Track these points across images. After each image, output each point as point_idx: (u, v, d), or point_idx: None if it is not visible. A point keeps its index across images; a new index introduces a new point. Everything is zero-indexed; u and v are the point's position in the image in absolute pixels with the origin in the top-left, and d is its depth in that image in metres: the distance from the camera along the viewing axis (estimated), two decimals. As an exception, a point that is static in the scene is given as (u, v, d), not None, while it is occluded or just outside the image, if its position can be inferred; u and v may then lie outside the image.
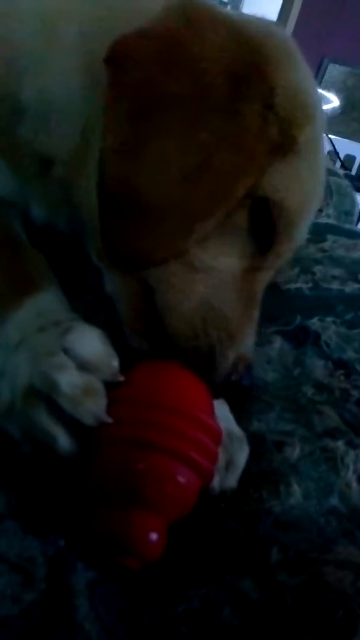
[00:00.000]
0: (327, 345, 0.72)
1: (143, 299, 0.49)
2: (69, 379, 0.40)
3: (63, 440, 0.40)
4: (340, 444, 0.56)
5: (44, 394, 0.40)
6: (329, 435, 0.57)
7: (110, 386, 0.42)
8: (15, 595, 0.37)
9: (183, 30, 0.45)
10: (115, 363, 0.42)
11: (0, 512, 0.41)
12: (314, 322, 0.76)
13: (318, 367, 0.67)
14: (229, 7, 3.59)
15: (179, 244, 0.48)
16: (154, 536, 0.38)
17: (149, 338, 0.49)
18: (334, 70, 3.96)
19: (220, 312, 0.48)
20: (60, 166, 0.54)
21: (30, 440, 0.41)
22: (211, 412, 0.44)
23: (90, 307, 0.59)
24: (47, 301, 0.49)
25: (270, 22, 0.51)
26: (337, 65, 3.93)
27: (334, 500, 0.50)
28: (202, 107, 0.45)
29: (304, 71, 0.52)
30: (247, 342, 0.51)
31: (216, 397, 0.47)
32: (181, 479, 0.39)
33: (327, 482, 0.51)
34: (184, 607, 0.39)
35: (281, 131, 0.48)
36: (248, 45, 0.47)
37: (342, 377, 0.67)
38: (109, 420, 0.39)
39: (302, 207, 0.54)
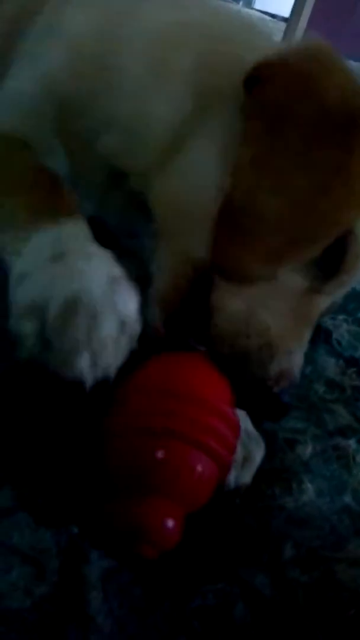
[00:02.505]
0: (339, 343, 0.72)
1: (193, 283, 0.49)
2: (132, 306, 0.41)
3: (85, 366, 0.38)
4: (352, 442, 0.56)
5: (90, 311, 0.39)
6: (340, 434, 0.57)
7: (128, 376, 0.42)
8: (27, 588, 0.37)
9: (314, 66, 0.50)
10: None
11: (12, 504, 0.41)
12: (325, 320, 0.76)
13: (329, 365, 0.67)
14: (241, 4, 3.57)
15: (287, 263, 0.49)
16: (170, 523, 0.38)
17: (172, 322, 0.49)
18: (346, 68, 3.94)
19: (264, 320, 0.49)
20: (135, 178, 0.57)
21: (39, 361, 0.40)
22: (231, 403, 0.44)
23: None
24: (87, 229, 0.49)
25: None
26: (350, 62, 3.91)
27: (347, 499, 0.50)
28: (325, 136, 0.48)
29: None
30: (294, 358, 0.50)
31: (248, 407, 0.47)
32: (200, 468, 0.39)
33: (340, 480, 0.51)
34: (197, 602, 0.39)
35: None
36: (357, 89, 0.50)
37: (353, 375, 0.67)
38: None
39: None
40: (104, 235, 0.61)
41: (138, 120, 0.56)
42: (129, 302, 0.42)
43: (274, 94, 0.48)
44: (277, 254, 0.48)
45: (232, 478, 0.43)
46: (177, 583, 0.40)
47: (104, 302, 0.40)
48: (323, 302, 0.54)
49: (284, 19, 2.74)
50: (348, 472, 0.52)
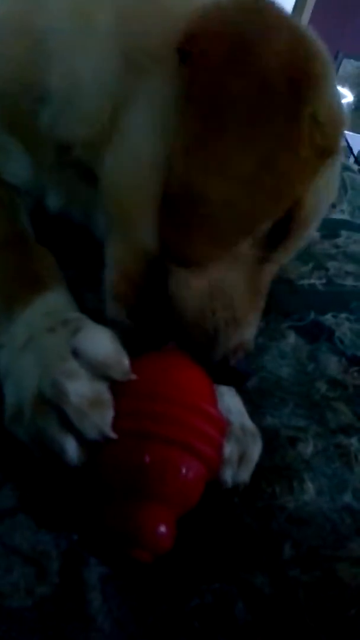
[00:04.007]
0: (341, 341, 0.72)
1: (145, 274, 0.49)
2: (78, 389, 0.40)
3: (72, 451, 0.39)
4: (354, 441, 0.56)
5: (53, 402, 0.40)
6: (342, 432, 0.57)
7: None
8: (28, 588, 0.37)
9: (252, 32, 0.47)
10: (126, 361, 0.42)
11: (13, 506, 0.41)
12: (328, 318, 0.75)
13: (332, 363, 0.67)
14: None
15: (237, 243, 0.49)
16: (162, 527, 0.38)
17: (135, 312, 0.49)
18: (348, 65, 3.93)
19: (229, 295, 0.49)
20: (80, 149, 0.55)
21: (39, 447, 0.41)
22: (212, 399, 0.44)
23: (102, 301, 0.59)
24: (55, 301, 0.49)
25: (305, 26, 0.52)
26: (351, 60, 3.90)
27: (348, 497, 0.50)
28: (265, 108, 0.46)
29: (335, 79, 0.53)
30: (250, 330, 0.51)
31: (214, 381, 0.47)
32: (184, 468, 0.39)
33: (341, 479, 0.51)
34: (197, 602, 0.39)
35: (323, 138, 0.49)
36: (303, 52, 0.48)
37: (355, 374, 0.66)
38: (114, 435, 0.39)
39: (319, 209, 0.55)
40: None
41: (69, 85, 0.54)
42: (93, 342, 0.42)
43: (207, 72, 0.46)
44: (228, 234, 0.47)
45: (229, 476, 0.43)
46: (175, 583, 0.40)
47: (65, 372, 0.40)
48: (271, 270, 0.55)
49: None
50: (350, 471, 0.52)
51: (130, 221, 0.50)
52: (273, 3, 0.51)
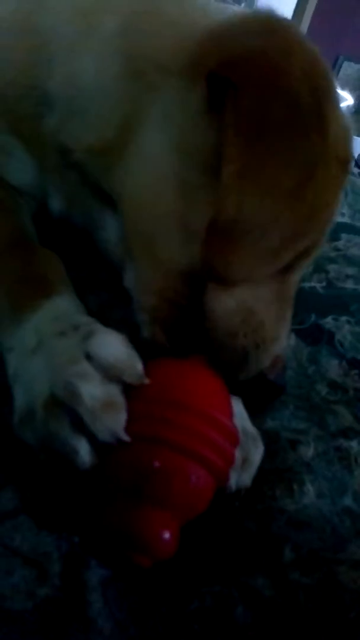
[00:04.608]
0: (341, 344, 0.72)
1: (181, 293, 0.49)
2: (91, 390, 0.39)
3: (84, 453, 0.39)
4: (354, 444, 0.56)
5: (66, 404, 0.39)
6: (342, 435, 0.57)
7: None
8: (29, 590, 0.37)
9: (280, 56, 0.48)
10: (139, 366, 0.42)
11: (14, 507, 0.42)
12: (328, 321, 0.76)
13: (332, 366, 0.67)
14: (243, 5, 3.57)
15: (283, 260, 0.50)
16: (166, 534, 0.38)
17: (172, 332, 0.49)
18: (348, 68, 3.94)
19: (258, 315, 0.49)
20: (83, 154, 0.55)
21: (47, 450, 0.41)
22: (228, 412, 0.44)
23: (105, 304, 0.60)
24: (64, 304, 0.49)
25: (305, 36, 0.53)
26: (352, 63, 3.91)
27: (348, 500, 0.50)
28: (300, 127, 0.47)
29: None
30: (281, 342, 0.52)
31: (244, 395, 0.47)
32: (194, 478, 0.39)
33: (341, 482, 0.51)
34: (197, 605, 0.39)
35: (342, 149, 0.51)
36: (321, 70, 0.50)
37: (356, 377, 0.66)
38: (127, 438, 0.39)
39: (334, 214, 0.55)
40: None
41: (71, 88, 0.54)
42: (107, 346, 0.42)
43: (251, 102, 0.46)
44: (275, 252, 0.48)
45: (233, 482, 0.43)
46: (176, 586, 0.40)
47: (78, 374, 0.40)
48: (295, 279, 0.56)
49: (287, 20, 2.74)
50: (350, 474, 0.52)
51: (157, 242, 0.50)
52: (286, 20, 0.51)
